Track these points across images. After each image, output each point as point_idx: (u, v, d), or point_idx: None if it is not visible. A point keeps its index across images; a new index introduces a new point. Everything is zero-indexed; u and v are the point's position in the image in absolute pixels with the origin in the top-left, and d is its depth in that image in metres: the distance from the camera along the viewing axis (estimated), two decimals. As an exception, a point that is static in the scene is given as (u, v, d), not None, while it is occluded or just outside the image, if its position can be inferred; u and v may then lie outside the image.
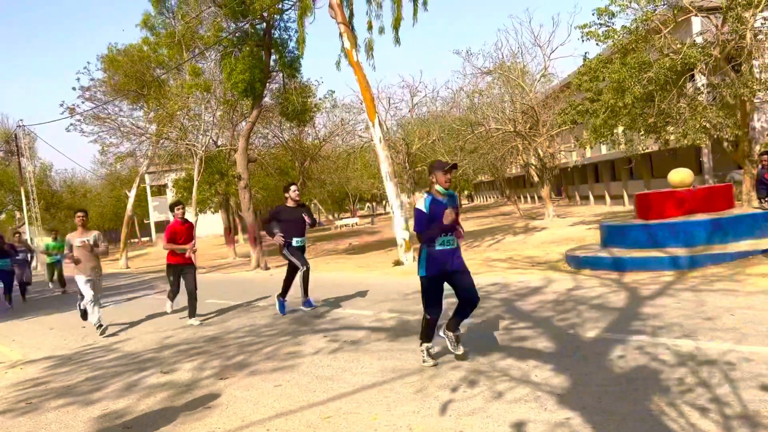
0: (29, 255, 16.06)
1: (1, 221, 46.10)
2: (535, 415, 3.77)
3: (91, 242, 8.66)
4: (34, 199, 32.06)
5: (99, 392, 5.58)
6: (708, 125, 14.80)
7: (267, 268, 18.64)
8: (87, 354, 7.58)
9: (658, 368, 4.40)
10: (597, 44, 15.72)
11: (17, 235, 17.22)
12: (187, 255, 9.01)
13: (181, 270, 9.07)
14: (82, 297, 8.92)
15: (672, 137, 16.73)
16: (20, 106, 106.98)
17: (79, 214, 8.85)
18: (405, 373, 5.04)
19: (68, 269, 8.67)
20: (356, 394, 4.65)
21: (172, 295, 9.53)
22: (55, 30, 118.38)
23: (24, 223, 33.47)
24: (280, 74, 20.72)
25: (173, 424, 4.44)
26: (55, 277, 17.44)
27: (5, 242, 14.48)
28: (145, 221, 63.38)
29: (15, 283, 14.78)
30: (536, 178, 29.27)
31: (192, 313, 9.01)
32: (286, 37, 19.65)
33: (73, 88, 33.36)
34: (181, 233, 9.01)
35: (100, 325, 8.72)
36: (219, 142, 26.28)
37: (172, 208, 9.18)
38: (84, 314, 9.27)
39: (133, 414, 4.80)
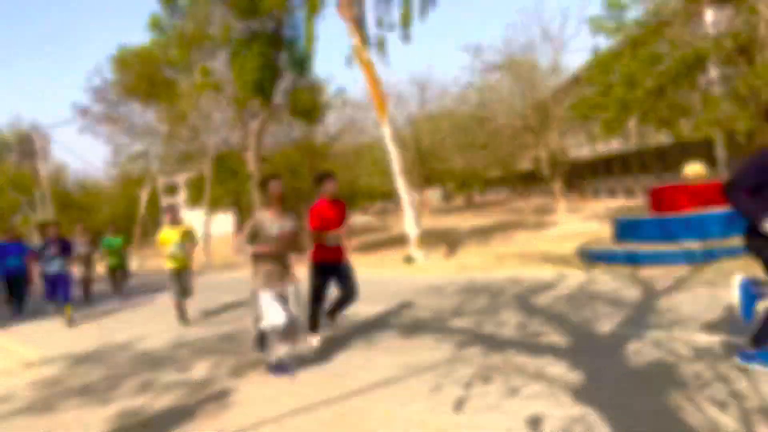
0: (92, 249, 13.86)
1: (17, 223, 46.56)
2: (550, 411, 3.76)
3: (293, 230, 5.64)
4: (48, 201, 32.36)
5: (116, 391, 5.63)
6: (721, 118, 14.67)
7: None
8: (103, 353, 7.64)
9: (675, 363, 4.37)
10: (607, 38, 15.62)
11: (79, 225, 14.40)
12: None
13: (335, 270, 6.36)
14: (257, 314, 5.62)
15: (685, 130, 16.60)
16: (33, 108, 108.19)
17: (274, 183, 5.56)
18: (418, 369, 5.04)
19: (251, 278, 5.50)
20: (370, 390, 4.66)
21: (319, 309, 6.38)
22: (66, 31, 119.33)
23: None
24: (290, 73, 20.76)
25: (190, 422, 4.47)
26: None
27: (58, 239, 11.12)
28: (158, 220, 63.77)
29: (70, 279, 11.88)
30: (547, 173, 29.13)
31: (338, 310, 6.60)
32: (296, 35, 19.68)
33: (85, 90, 33.59)
34: (330, 219, 6.28)
35: (281, 366, 5.50)
36: (230, 142, 26.38)
37: (319, 180, 6.45)
38: (261, 342, 5.70)
39: (150, 412, 4.84)
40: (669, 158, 29.86)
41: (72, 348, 8.25)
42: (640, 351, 4.77)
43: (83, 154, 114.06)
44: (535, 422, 3.62)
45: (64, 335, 9.56)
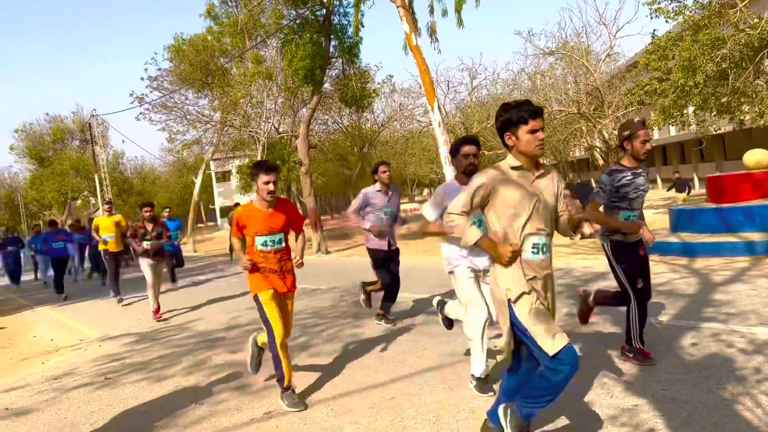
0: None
1: (78, 206, 48.58)
2: (601, 401, 3.71)
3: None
4: (107, 186, 33.51)
5: (172, 368, 5.83)
6: (788, 104, 14.01)
7: (328, 252, 18.93)
8: (160, 333, 7.92)
9: (733, 357, 4.24)
10: (666, 21, 15.08)
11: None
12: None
13: None
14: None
15: (747, 117, 15.95)
16: (93, 97, 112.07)
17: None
18: (465, 357, 5.03)
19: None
20: (418, 376, 4.69)
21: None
22: (124, 21, 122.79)
23: (98, 209, 35.07)
24: (340, 60, 20.85)
25: (240, 400, 4.60)
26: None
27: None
28: (210, 207, 65.30)
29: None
30: (601, 161, 28.43)
31: None
32: (346, 22, 19.72)
33: (142, 78, 34.56)
34: None
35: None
36: (281, 129, 26.73)
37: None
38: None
39: (203, 390, 5.00)
40: (730, 146, 28.73)
41: (131, 327, 8.58)
42: (697, 344, 4.64)
43: (140, 141, 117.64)
44: (585, 410, 3.58)
45: (123, 316, 9.94)
